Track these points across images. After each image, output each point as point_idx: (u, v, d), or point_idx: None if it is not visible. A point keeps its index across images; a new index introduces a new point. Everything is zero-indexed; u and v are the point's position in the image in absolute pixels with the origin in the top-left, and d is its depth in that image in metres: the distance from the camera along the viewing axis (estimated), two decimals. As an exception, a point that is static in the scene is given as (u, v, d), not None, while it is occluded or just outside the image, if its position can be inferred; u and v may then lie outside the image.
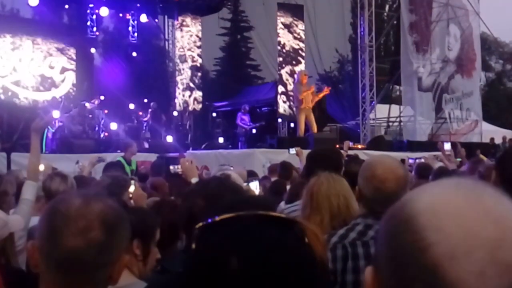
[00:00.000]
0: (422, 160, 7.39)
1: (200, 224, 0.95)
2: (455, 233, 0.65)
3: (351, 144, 9.37)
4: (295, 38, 19.45)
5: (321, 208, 2.62)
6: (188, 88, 20.39)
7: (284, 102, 18.81)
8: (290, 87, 18.04)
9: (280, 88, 18.94)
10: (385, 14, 27.21)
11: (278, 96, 18.77)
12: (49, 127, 14.01)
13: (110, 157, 9.84)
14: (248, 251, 0.88)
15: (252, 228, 0.91)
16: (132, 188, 3.86)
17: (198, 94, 20.63)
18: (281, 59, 19.13)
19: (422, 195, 0.72)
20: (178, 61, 20.27)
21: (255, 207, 0.94)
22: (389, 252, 0.71)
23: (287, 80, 18.83)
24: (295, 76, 15.79)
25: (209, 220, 0.94)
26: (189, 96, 20.40)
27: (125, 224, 1.45)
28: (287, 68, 19.20)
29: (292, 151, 7.54)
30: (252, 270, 0.87)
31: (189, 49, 20.50)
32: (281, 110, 18.72)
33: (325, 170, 2.81)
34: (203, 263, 0.91)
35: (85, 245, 1.32)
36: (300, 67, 18.13)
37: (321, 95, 13.94)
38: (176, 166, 4.02)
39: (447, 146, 9.72)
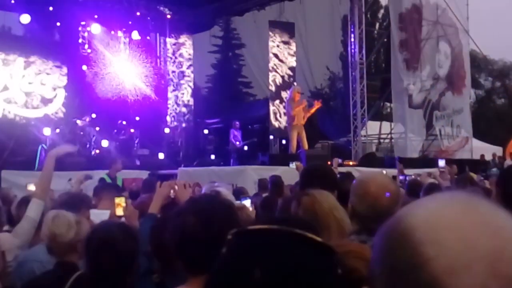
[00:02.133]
0: (413, 177, 7.42)
1: (235, 230, 0.95)
2: (453, 247, 0.64)
3: (340, 161, 9.35)
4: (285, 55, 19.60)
5: (329, 225, 2.50)
6: (179, 105, 20.41)
7: (272, 116, 18.91)
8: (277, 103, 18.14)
9: (271, 105, 19.04)
10: (376, 31, 27.50)
11: (271, 110, 18.88)
12: (43, 144, 13.97)
13: (99, 174, 9.80)
14: (273, 265, 0.86)
15: (283, 243, 0.89)
16: (123, 204, 3.85)
17: (189, 111, 20.65)
18: (271, 77, 19.24)
19: (417, 209, 0.71)
20: (169, 78, 20.32)
21: (295, 225, 0.93)
22: (386, 269, 0.69)
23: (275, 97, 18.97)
24: (288, 92, 15.87)
25: (244, 228, 0.94)
26: (181, 113, 20.41)
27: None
28: (278, 86, 19.30)
29: (292, 165, 7.60)
30: (273, 284, 0.85)
31: (180, 66, 20.56)
32: (272, 125, 18.80)
33: (321, 187, 2.75)
34: (228, 268, 0.91)
35: None
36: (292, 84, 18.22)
37: (312, 110, 13.99)
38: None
39: (442, 163, 9.76)
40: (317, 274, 0.87)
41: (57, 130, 14.66)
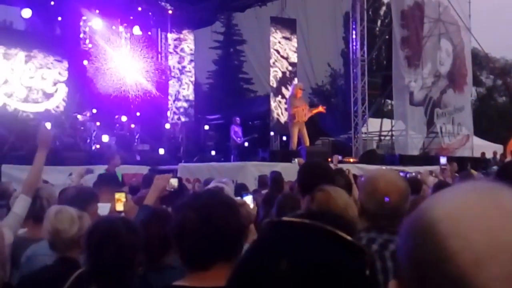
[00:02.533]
0: (413, 175, 7.41)
1: (269, 219, 0.95)
2: (478, 239, 0.63)
3: (340, 158, 9.36)
4: (287, 52, 19.58)
5: None
6: (180, 100, 20.40)
7: (273, 112, 18.90)
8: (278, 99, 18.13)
9: (272, 101, 19.03)
10: (377, 29, 27.44)
11: (272, 106, 18.87)
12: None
13: (100, 169, 9.80)
14: (300, 258, 0.85)
15: (312, 238, 0.89)
16: (123, 199, 3.84)
17: (190, 107, 20.64)
18: (272, 73, 19.23)
19: (440, 201, 0.70)
20: (170, 73, 20.31)
21: (330, 222, 0.92)
22: (412, 264, 0.69)
23: (276, 94, 18.95)
24: (289, 89, 15.84)
25: (278, 218, 0.93)
26: (182, 109, 20.41)
27: None
28: (279, 82, 19.29)
29: (295, 161, 7.60)
30: (298, 278, 0.84)
31: (181, 62, 20.54)
32: (273, 121, 18.79)
33: (319, 184, 2.73)
34: (256, 257, 0.90)
35: None
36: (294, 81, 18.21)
37: (315, 111, 13.86)
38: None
39: (443, 160, 9.76)
40: (344, 272, 0.86)
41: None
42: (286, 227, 0.91)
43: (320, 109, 13.85)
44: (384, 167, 9.41)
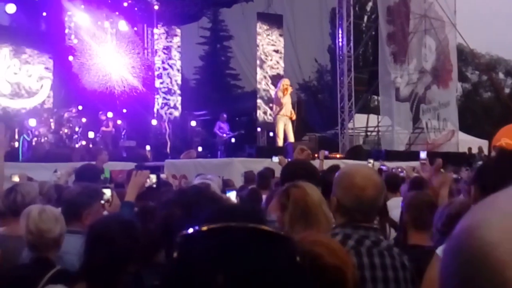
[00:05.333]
0: (393, 171, 7.45)
1: (185, 231, 0.87)
2: None
3: (326, 153, 9.34)
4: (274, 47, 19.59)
5: (318, 219, 2.45)
6: (167, 96, 20.34)
7: (260, 108, 18.91)
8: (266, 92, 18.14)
9: (259, 97, 19.04)
10: (364, 24, 27.50)
11: (258, 102, 18.88)
12: (24, 135, 13.86)
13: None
14: (237, 268, 0.80)
15: (242, 242, 0.83)
16: (108, 197, 3.82)
17: (177, 102, 20.58)
18: (259, 69, 19.23)
19: (491, 215, 0.56)
20: (157, 69, 20.23)
21: (244, 218, 0.89)
22: None
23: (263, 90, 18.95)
24: (277, 83, 15.86)
25: (196, 228, 0.86)
26: (168, 105, 20.34)
27: None
28: (265, 78, 19.30)
29: (275, 159, 7.55)
30: (239, 286, 0.80)
31: (168, 58, 20.46)
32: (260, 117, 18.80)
33: (304, 180, 2.70)
34: (186, 275, 0.82)
35: None
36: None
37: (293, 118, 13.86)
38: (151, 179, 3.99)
39: (423, 155, 9.81)
40: (279, 265, 0.83)
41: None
42: (207, 236, 0.84)
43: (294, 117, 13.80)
44: (370, 161, 9.46)
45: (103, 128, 16.23)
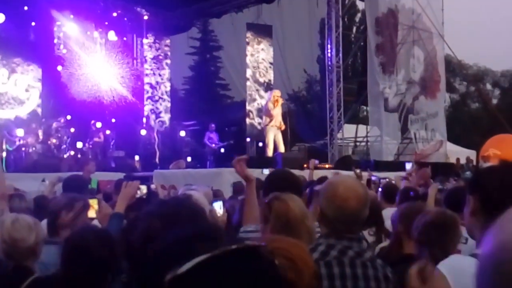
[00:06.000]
0: (387, 180, 7.48)
1: (169, 276, 0.84)
2: None
3: (317, 162, 9.35)
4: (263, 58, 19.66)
5: (300, 233, 2.43)
6: (156, 106, 20.31)
7: (249, 118, 18.95)
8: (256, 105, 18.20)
9: (248, 107, 19.07)
10: (353, 35, 27.66)
11: (248, 112, 18.92)
12: (7, 145, 13.78)
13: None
14: None
15: (230, 268, 0.82)
16: (95, 207, 3.80)
17: (166, 113, 20.56)
18: (248, 79, 19.28)
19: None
20: (146, 79, 20.21)
21: (215, 240, 0.87)
22: None
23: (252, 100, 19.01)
24: (267, 94, 15.92)
25: (183, 268, 0.83)
26: (158, 115, 20.32)
27: None
28: (255, 88, 19.35)
29: (266, 171, 7.55)
30: None
31: (157, 68, 20.46)
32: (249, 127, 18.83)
33: (287, 191, 2.70)
34: None
35: None
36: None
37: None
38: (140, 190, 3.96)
39: (409, 166, 9.85)
40: (275, 279, 0.84)
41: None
42: (192, 277, 0.82)
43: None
44: (357, 170, 9.49)
45: (96, 139, 16.16)
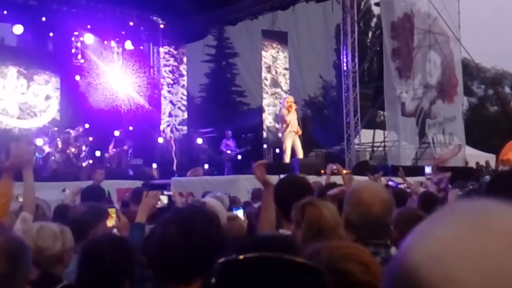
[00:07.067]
0: (400, 187, 7.43)
1: (223, 259, 0.90)
2: (467, 278, 0.53)
3: (334, 167, 9.16)
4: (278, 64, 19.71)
5: (332, 240, 2.29)
6: (173, 114, 20.41)
7: (266, 125, 18.98)
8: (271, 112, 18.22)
9: (265, 114, 19.10)
10: (368, 40, 27.63)
11: (264, 119, 18.95)
12: (37, 153, 13.94)
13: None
14: None
15: (276, 273, 0.86)
16: (113, 216, 3.82)
17: (183, 120, 20.65)
18: (264, 86, 19.33)
19: (419, 239, 0.59)
20: (163, 87, 20.34)
21: (279, 248, 0.90)
22: None
23: (268, 106, 19.05)
24: (282, 101, 15.94)
25: (233, 257, 0.89)
26: (174, 123, 20.41)
27: (27, 256, 1.48)
28: (271, 95, 19.39)
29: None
30: None
31: (174, 76, 20.57)
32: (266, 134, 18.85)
33: (297, 200, 2.67)
34: None
35: None
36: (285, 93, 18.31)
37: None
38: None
39: (428, 169, 9.75)
40: None
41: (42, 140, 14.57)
42: (244, 265, 0.87)
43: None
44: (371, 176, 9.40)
45: (125, 147, 16.32)
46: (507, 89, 42.63)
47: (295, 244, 1.11)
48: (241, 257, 0.89)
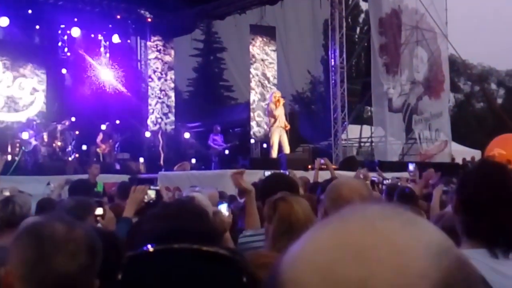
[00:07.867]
0: (389, 181, 7.47)
1: (130, 253, 0.88)
2: (311, 281, 0.54)
3: (322, 162, 9.10)
4: (266, 59, 19.70)
5: None
6: (160, 108, 20.34)
7: (253, 120, 18.98)
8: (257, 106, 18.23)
9: (252, 108, 19.10)
10: (356, 36, 27.70)
11: (252, 114, 18.94)
12: (23, 147, 13.85)
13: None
14: None
15: (184, 264, 0.84)
16: (100, 211, 3.80)
17: (170, 115, 20.58)
18: (252, 80, 19.32)
19: (290, 248, 0.60)
20: (150, 81, 20.25)
21: (194, 237, 0.89)
22: None
23: (256, 101, 19.05)
24: (268, 96, 15.95)
25: (140, 250, 0.86)
26: (162, 117, 20.34)
27: (100, 246, 1.57)
28: (259, 90, 19.39)
29: (268, 173, 7.54)
30: None
31: (161, 70, 20.49)
32: (254, 130, 18.85)
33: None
34: None
35: (77, 269, 1.41)
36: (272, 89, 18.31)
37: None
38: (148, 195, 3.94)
39: (411, 167, 9.78)
40: (222, 286, 0.84)
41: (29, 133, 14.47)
42: (152, 259, 0.84)
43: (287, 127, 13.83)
44: (362, 170, 9.44)
45: (111, 141, 16.20)
46: (493, 86, 43.02)
47: (213, 232, 1.09)
48: (148, 250, 0.88)
